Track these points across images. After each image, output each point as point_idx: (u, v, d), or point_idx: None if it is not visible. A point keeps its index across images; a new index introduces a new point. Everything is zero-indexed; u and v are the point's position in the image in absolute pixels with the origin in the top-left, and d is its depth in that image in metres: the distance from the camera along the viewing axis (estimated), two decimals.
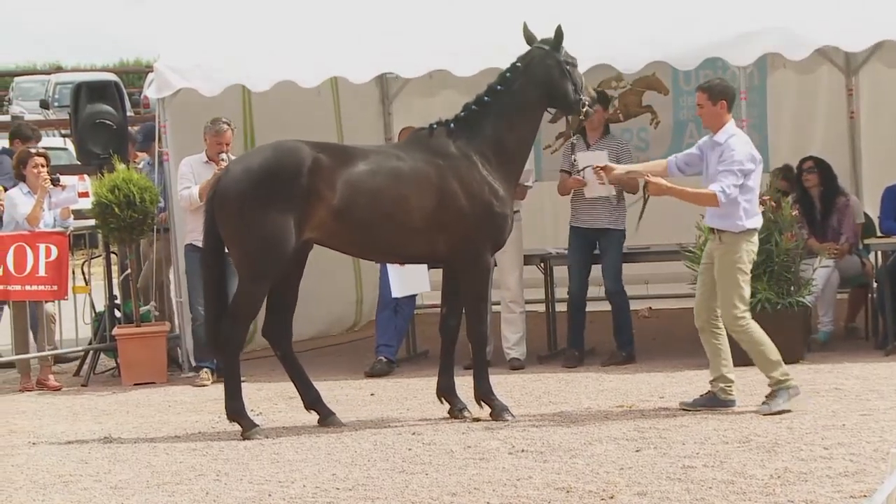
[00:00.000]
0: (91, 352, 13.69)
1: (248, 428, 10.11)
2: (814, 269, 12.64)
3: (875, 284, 13.16)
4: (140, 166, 14.19)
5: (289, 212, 9.83)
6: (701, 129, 15.55)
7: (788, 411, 9.84)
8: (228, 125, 12.87)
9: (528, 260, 13.40)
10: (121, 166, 13.21)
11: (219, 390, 12.37)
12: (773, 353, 10.07)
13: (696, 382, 11.26)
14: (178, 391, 12.59)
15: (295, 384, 10.59)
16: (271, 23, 13.80)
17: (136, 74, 39.23)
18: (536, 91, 10.40)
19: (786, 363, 11.62)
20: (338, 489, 8.25)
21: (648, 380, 11.75)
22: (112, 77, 22.11)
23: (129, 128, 15.69)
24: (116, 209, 12.92)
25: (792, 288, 12.08)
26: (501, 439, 9.47)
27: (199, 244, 12.71)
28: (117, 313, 13.80)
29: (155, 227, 13.37)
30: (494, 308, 13.26)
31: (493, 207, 10.20)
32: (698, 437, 9.21)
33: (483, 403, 10.35)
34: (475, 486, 8.10)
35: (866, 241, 13.22)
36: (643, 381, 11.69)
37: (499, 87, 10.37)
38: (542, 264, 13.61)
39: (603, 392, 11.33)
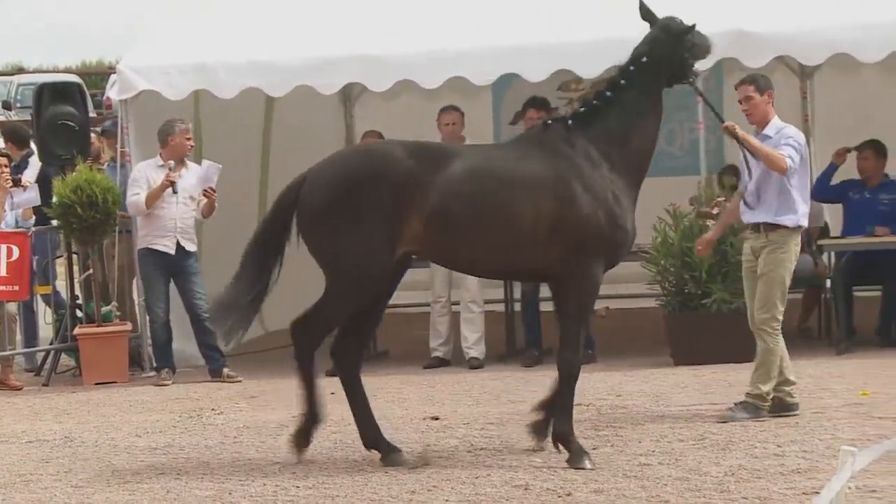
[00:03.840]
0: (52, 351, 13.64)
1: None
2: None
3: (828, 285, 13.26)
4: (104, 167, 14.15)
5: (380, 224, 8.53)
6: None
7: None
8: (185, 123, 13.01)
9: None
10: (83, 167, 13.17)
11: (179, 390, 12.41)
12: (776, 370, 9.68)
13: (652, 381, 11.31)
14: (139, 391, 12.55)
15: (354, 415, 9.15)
16: (239, 29, 13.82)
17: (98, 76, 39.02)
18: (655, 88, 9.07)
19: (739, 362, 11.71)
20: (298, 487, 8.25)
21: (606, 378, 11.78)
22: (74, 78, 21.98)
23: (106, 122, 15.65)
24: (79, 209, 12.86)
25: None
26: (460, 438, 9.49)
27: (154, 248, 12.88)
28: (79, 313, 13.75)
29: (117, 227, 13.34)
30: (454, 308, 13.32)
31: (616, 219, 8.74)
32: (654, 435, 9.24)
33: (559, 445, 8.76)
34: (434, 484, 8.12)
35: (819, 242, 13.29)
36: (600, 380, 11.72)
37: (622, 82, 9.04)
38: None
39: None
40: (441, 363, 13.04)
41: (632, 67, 9.07)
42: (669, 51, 9.08)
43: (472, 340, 13.07)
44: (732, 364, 11.74)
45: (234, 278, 9.07)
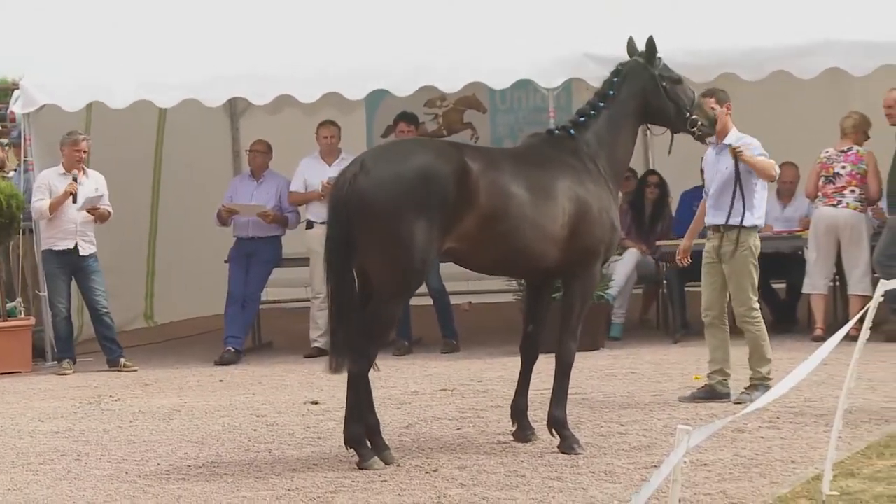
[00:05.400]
0: None
1: (365, 458, 7.94)
2: (608, 266, 12.85)
3: (665, 282, 13.47)
4: (9, 175, 13.96)
5: (436, 221, 7.74)
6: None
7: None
8: (83, 136, 12.86)
9: None
10: None
11: (79, 379, 12.24)
12: (769, 351, 9.60)
13: (510, 368, 11.34)
14: (42, 379, 12.36)
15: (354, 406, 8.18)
16: (131, 48, 13.71)
17: (2, 92, 38.31)
18: (633, 103, 8.74)
19: (588, 351, 11.83)
20: (189, 467, 8.16)
21: (469, 366, 11.84)
22: None
23: (12, 133, 15.43)
24: None
25: None
26: (338, 420, 9.43)
27: (55, 249, 12.70)
28: None
29: (21, 228, 13.14)
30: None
31: (615, 222, 8.50)
32: None
33: (554, 432, 8.36)
34: (314, 463, 8.09)
35: (657, 243, 13.47)
36: (464, 368, 11.78)
37: (611, 93, 8.71)
38: None
39: (428, 377, 11.39)
40: (320, 353, 12.95)
41: (615, 80, 8.78)
42: (639, 77, 8.75)
43: None
44: (582, 352, 11.85)
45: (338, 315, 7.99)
